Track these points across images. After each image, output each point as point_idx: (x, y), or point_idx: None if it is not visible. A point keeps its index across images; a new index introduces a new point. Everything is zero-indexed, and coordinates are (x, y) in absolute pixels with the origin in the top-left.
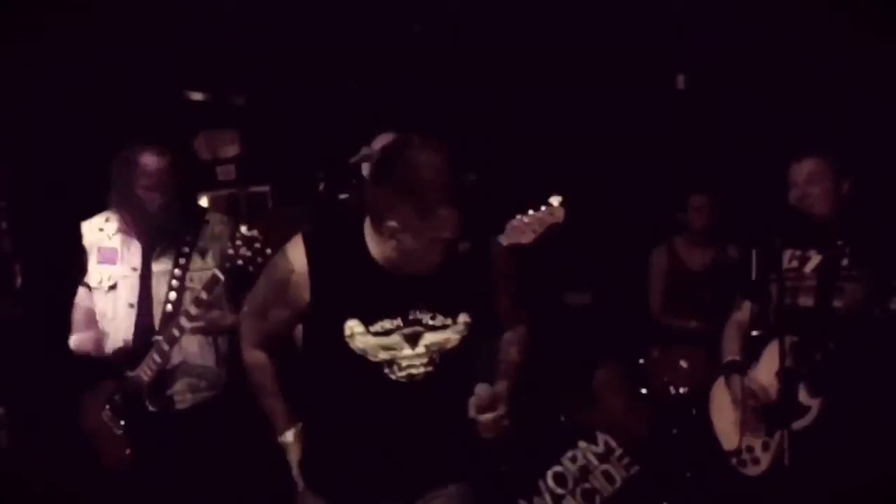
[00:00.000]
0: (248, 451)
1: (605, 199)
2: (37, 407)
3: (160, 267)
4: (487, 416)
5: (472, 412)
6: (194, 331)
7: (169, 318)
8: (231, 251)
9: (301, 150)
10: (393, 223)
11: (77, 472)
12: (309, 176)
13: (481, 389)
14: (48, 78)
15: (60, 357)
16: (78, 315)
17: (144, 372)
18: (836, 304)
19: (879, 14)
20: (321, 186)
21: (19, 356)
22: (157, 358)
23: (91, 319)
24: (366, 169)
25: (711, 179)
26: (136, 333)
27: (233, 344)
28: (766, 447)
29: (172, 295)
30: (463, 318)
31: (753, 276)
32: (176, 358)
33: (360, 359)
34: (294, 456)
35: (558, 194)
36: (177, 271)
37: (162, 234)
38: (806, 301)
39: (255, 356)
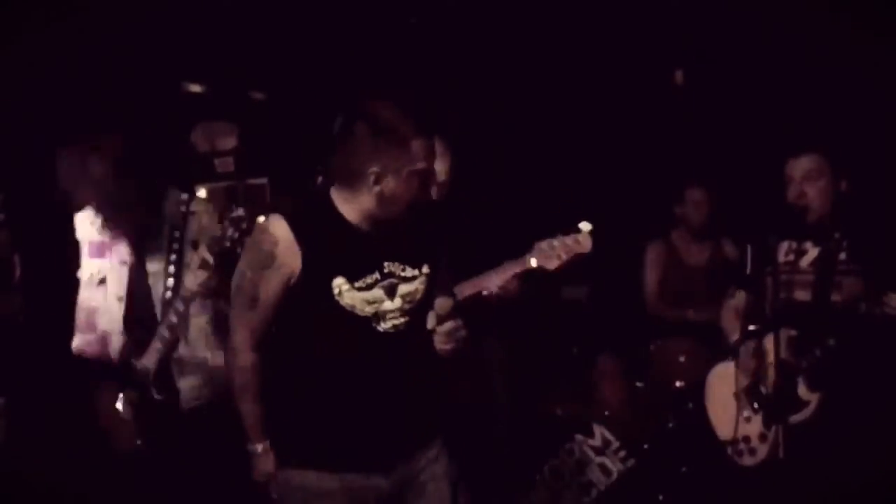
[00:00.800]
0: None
1: (602, 193)
2: (37, 400)
3: (155, 266)
4: (445, 327)
5: (430, 324)
6: (193, 296)
7: (167, 307)
8: (218, 233)
9: (299, 142)
10: (374, 168)
11: (77, 464)
12: (307, 168)
13: (440, 301)
14: (47, 69)
15: (60, 350)
16: (80, 316)
17: (149, 360)
18: (834, 298)
19: (878, 10)
20: (319, 179)
21: (18, 349)
22: (158, 345)
23: (91, 320)
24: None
25: (709, 174)
26: (126, 327)
27: None
28: (762, 438)
29: (170, 287)
30: (425, 269)
31: (749, 271)
32: (182, 350)
33: (349, 315)
34: (268, 466)
35: (585, 221)
36: (171, 268)
37: (138, 224)
38: (803, 295)
39: (247, 359)
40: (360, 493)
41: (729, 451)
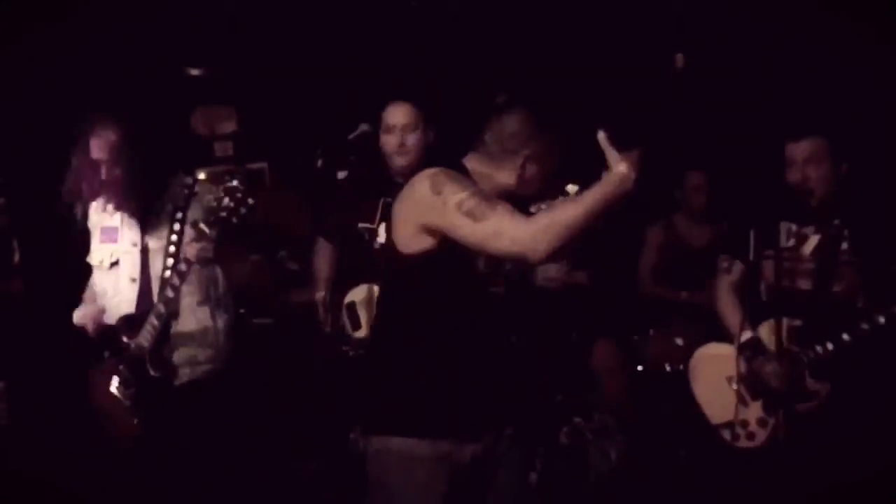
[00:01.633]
0: (249, 425)
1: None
2: (37, 382)
3: (155, 244)
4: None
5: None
6: (189, 267)
7: (164, 284)
8: (214, 203)
9: (299, 126)
10: (526, 151)
11: (78, 447)
12: (307, 152)
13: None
14: (45, 55)
15: (60, 332)
16: (87, 293)
17: (144, 337)
18: (836, 288)
19: None
20: (319, 163)
21: (19, 331)
22: (154, 321)
23: (93, 297)
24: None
25: (708, 158)
26: (138, 306)
27: (232, 318)
28: (762, 423)
29: (168, 265)
30: None
31: (752, 257)
32: (175, 327)
33: (474, 279)
34: None
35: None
36: (171, 248)
37: (143, 208)
38: (804, 284)
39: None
40: (450, 460)
41: (727, 434)
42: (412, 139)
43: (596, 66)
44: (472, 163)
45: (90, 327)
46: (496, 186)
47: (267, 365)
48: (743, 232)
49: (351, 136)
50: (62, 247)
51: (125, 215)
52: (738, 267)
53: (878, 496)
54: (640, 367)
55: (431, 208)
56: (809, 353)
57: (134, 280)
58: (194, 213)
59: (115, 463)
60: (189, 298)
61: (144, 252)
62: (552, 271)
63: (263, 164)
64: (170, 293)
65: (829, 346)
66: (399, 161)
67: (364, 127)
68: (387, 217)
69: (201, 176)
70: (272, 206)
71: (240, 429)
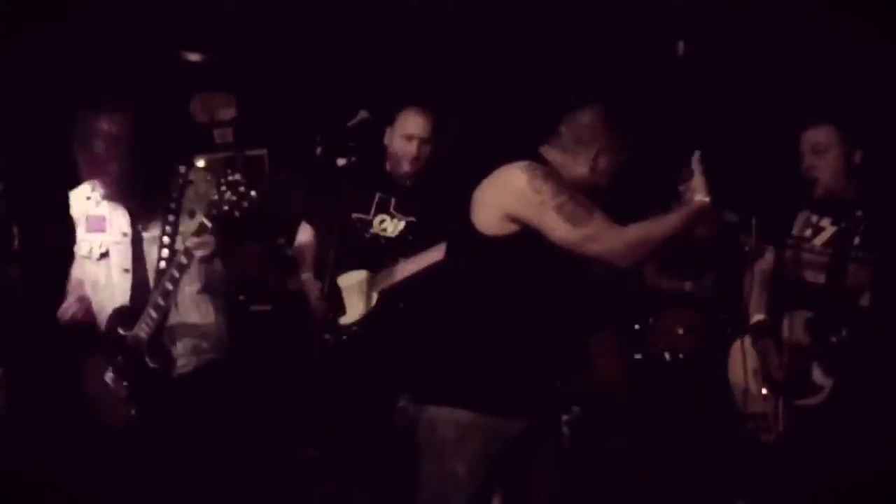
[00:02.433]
0: (251, 415)
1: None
2: (35, 370)
3: (150, 233)
4: None
5: None
6: (189, 262)
7: (161, 275)
8: (216, 197)
9: (298, 113)
10: (601, 144)
11: (75, 435)
12: (306, 140)
13: None
14: (44, 41)
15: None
16: (70, 285)
17: (142, 329)
18: (849, 283)
19: None
20: (318, 150)
21: (18, 319)
22: (153, 313)
23: (77, 288)
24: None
25: (712, 147)
26: (132, 297)
27: (234, 307)
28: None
29: (165, 256)
30: None
31: (753, 245)
32: (174, 318)
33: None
34: None
35: None
36: (165, 238)
37: (141, 198)
38: (816, 277)
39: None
40: (501, 434)
41: (749, 425)
42: (426, 150)
43: (599, 55)
44: (549, 154)
45: (79, 317)
46: (570, 176)
47: (266, 352)
48: (747, 224)
49: (350, 123)
50: (61, 233)
51: (113, 204)
52: (770, 252)
53: (878, 496)
54: (639, 356)
55: (528, 203)
56: (820, 347)
57: (126, 270)
58: (193, 204)
59: (113, 452)
60: (189, 288)
61: (137, 242)
62: None
63: (263, 151)
64: (169, 286)
65: (834, 340)
66: (406, 167)
67: (363, 114)
68: (383, 210)
69: (200, 164)
70: (271, 194)
71: (240, 417)
